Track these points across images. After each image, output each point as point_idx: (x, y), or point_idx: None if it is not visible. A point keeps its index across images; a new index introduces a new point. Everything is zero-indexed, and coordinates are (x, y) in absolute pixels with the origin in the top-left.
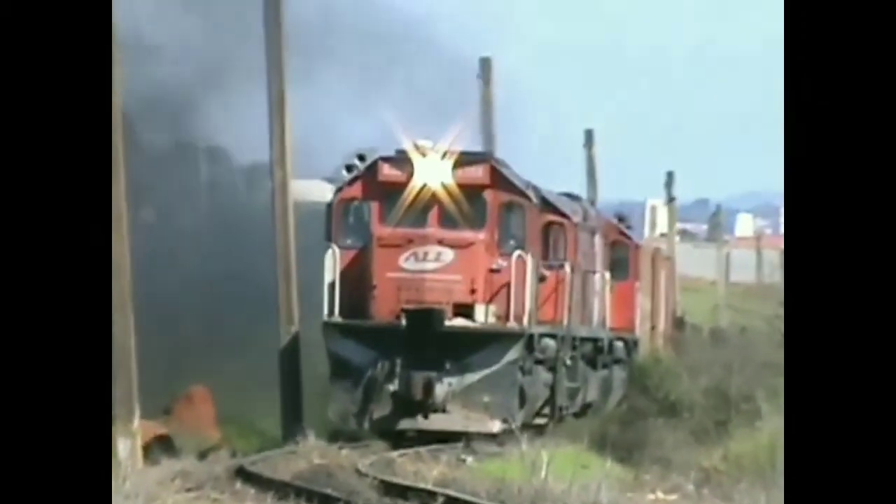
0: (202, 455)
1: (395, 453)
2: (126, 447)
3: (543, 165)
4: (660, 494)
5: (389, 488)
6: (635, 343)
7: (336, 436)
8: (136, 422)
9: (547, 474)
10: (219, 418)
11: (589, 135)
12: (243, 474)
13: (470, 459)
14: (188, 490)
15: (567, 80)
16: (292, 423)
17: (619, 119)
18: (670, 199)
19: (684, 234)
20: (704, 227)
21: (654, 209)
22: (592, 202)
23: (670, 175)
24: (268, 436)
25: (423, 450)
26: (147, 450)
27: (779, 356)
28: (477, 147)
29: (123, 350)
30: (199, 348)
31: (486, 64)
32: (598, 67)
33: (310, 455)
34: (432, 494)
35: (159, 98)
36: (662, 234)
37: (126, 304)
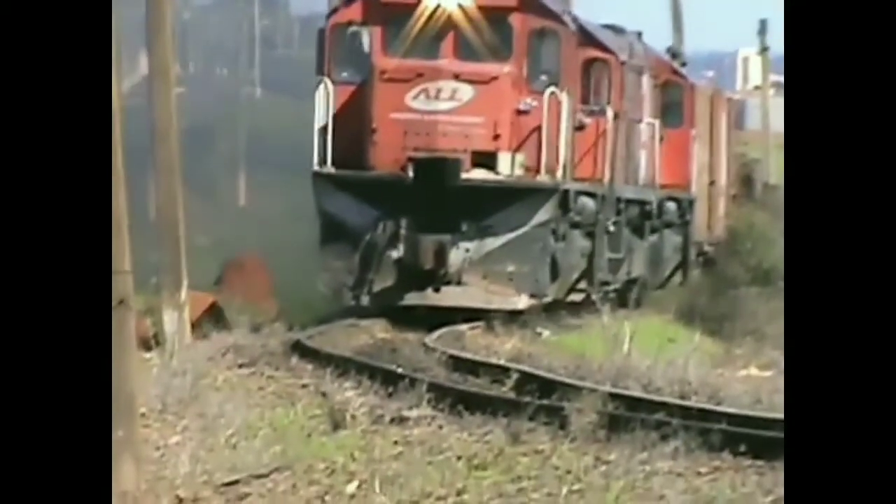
0: (255, 329)
1: (464, 326)
2: (173, 320)
3: (625, 13)
4: (753, 370)
5: (459, 364)
6: (691, 203)
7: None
8: (185, 292)
9: (630, 349)
10: (274, 289)
11: None
12: (300, 349)
13: (546, 333)
14: (240, 366)
15: None
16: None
17: None
18: (763, 49)
19: (779, 87)
20: None
21: (746, 60)
22: (640, 35)
23: (763, 23)
24: (328, 308)
25: (496, 322)
26: (197, 324)
27: None
28: None
29: (170, 216)
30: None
31: None
32: None
33: (372, 329)
34: (505, 371)
35: None
36: (756, 87)
37: (174, 168)
